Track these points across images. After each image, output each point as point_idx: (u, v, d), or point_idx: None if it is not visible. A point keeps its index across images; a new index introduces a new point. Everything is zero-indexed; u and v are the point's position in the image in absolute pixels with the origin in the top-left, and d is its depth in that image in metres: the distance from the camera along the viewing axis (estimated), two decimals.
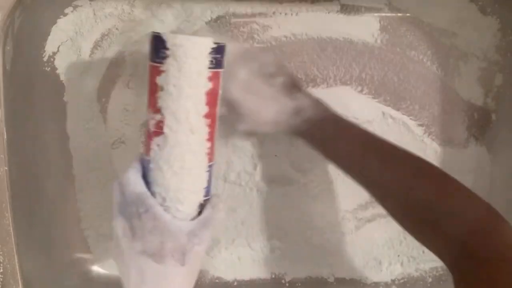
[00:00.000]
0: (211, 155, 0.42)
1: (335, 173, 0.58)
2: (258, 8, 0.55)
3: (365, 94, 0.57)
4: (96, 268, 0.61)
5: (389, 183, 0.46)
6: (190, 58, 0.38)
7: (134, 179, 0.40)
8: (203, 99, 0.40)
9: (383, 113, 0.58)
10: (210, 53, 0.39)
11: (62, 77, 0.56)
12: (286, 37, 0.55)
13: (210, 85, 0.40)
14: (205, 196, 0.42)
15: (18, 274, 0.49)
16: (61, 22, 0.55)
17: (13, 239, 0.49)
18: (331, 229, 0.61)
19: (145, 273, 0.40)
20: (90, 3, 0.54)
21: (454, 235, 0.41)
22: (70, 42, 0.55)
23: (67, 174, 0.59)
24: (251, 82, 0.48)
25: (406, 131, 0.58)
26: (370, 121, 0.57)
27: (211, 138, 0.41)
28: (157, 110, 0.39)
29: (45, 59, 0.55)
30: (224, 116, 0.45)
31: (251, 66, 0.48)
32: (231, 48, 0.44)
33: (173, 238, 0.39)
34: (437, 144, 0.59)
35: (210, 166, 0.42)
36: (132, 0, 0.54)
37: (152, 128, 0.40)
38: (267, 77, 0.48)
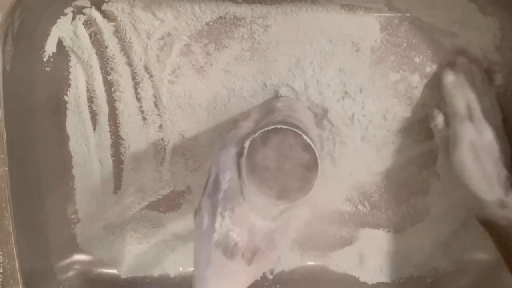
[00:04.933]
0: None
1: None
2: (259, 8, 0.55)
3: (365, 95, 0.57)
4: (96, 269, 0.61)
5: None
6: None
7: (230, 175, 0.42)
8: None
9: (384, 115, 0.57)
10: None
11: (62, 77, 0.56)
12: (286, 37, 0.55)
13: None
14: None
15: (18, 274, 0.49)
16: (61, 22, 0.55)
17: (13, 239, 0.49)
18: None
19: (213, 263, 0.41)
20: (90, 3, 0.54)
21: None
22: (70, 42, 0.55)
23: (67, 174, 0.59)
24: None
25: (406, 132, 0.58)
26: (371, 121, 0.57)
27: None
28: None
29: (45, 59, 0.55)
30: None
31: None
32: None
33: (249, 237, 0.41)
34: (437, 144, 0.59)
35: None
36: (132, 0, 0.54)
37: None
38: None
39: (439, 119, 0.53)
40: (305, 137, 0.42)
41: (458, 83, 0.53)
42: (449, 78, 0.54)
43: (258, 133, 0.42)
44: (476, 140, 0.50)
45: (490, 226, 0.50)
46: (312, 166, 0.45)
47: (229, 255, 0.41)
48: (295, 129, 0.42)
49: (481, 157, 0.49)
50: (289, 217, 0.43)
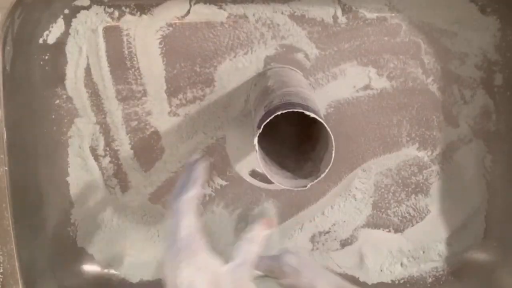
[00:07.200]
0: None
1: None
2: (260, 8, 0.55)
3: (364, 96, 0.57)
4: (96, 269, 0.61)
5: None
6: None
7: (188, 222, 0.40)
8: None
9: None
10: None
11: (62, 77, 0.56)
12: (284, 38, 0.55)
13: None
14: None
15: (18, 274, 0.49)
16: (61, 22, 0.55)
17: (13, 239, 0.49)
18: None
19: None
20: (90, 3, 0.54)
21: None
22: (70, 42, 0.55)
23: (67, 175, 0.59)
24: None
25: (405, 132, 0.58)
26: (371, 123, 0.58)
27: None
28: None
29: (45, 58, 0.55)
30: None
31: None
32: None
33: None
34: (437, 144, 0.59)
35: None
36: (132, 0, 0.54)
37: None
38: None
39: None
40: (307, 113, 0.40)
41: None
42: None
43: (257, 133, 0.41)
44: None
45: None
46: (323, 142, 0.42)
47: None
48: (297, 109, 0.40)
49: None
50: (249, 243, 0.42)
